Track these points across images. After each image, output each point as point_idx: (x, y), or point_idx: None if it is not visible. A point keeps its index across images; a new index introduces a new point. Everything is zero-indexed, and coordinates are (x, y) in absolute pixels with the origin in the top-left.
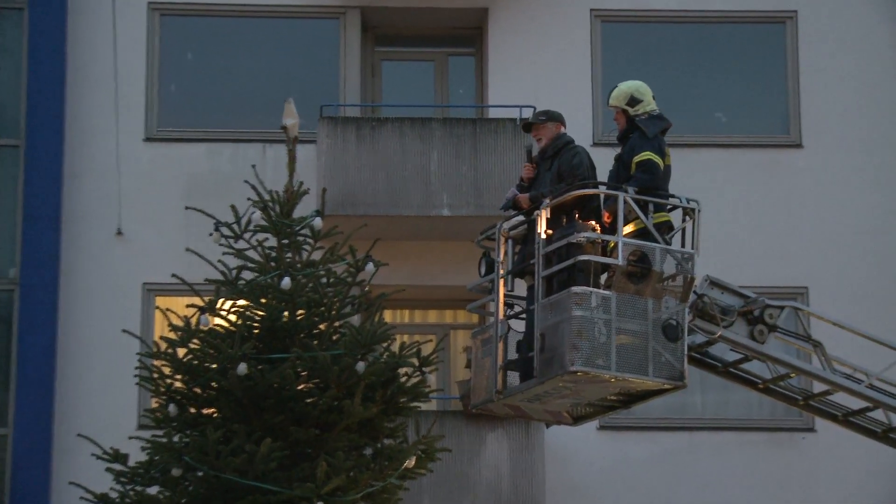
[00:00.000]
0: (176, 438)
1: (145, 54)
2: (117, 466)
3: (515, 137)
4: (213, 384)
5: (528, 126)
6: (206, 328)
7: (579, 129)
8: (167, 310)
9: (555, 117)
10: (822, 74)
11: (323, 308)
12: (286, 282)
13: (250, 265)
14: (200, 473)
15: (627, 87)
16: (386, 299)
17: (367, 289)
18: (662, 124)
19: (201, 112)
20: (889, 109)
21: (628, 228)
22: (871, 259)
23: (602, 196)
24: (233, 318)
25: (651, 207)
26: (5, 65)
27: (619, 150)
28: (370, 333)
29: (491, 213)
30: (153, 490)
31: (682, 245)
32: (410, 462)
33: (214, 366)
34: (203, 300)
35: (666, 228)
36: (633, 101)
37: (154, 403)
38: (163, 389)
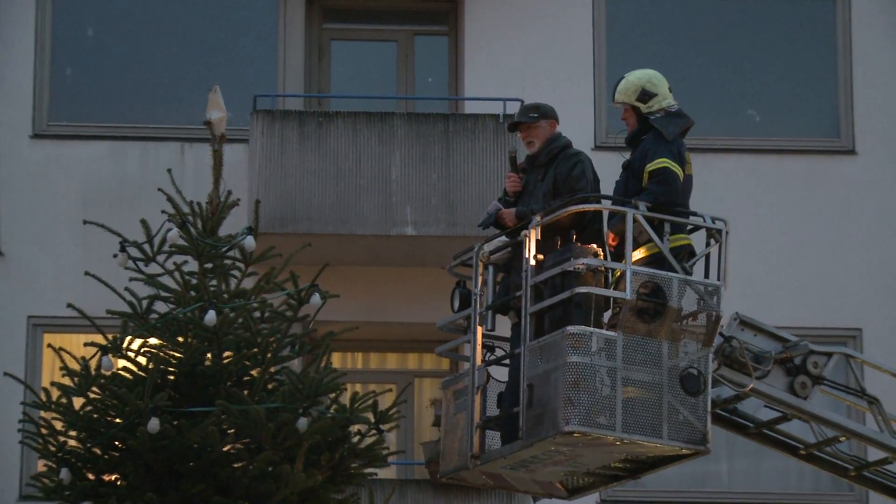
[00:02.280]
0: None
1: (34, 30)
2: None
3: (498, 137)
4: (118, 444)
5: (514, 126)
6: (108, 373)
7: (578, 129)
8: (60, 349)
9: (548, 114)
10: (880, 64)
11: (256, 350)
12: (210, 316)
13: (165, 294)
14: None
15: (637, 78)
16: (335, 339)
17: (311, 326)
18: (683, 123)
19: (103, 103)
20: None
21: (638, 254)
22: None
23: (606, 213)
24: (142, 360)
25: (667, 228)
26: None
27: (627, 155)
28: (315, 382)
29: (466, 234)
30: None
31: (706, 275)
32: None
33: (119, 420)
34: (105, 338)
35: (685, 254)
36: (646, 95)
37: (42, 467)
38: (53, 449)
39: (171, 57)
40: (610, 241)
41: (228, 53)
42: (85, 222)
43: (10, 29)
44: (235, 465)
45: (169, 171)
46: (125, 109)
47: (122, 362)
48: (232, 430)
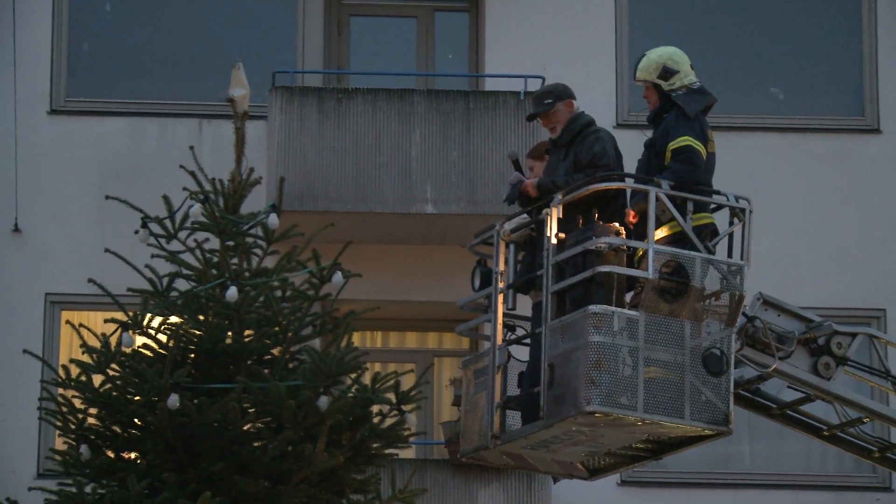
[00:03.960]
0: (89, 489)
1: (51, 4)
2: None
3: (519, 115)
4: (137, 421)
5: (532, 117)
6: (128, 350)
7: (600, 106)
8: (80, 325)
9: (562, 94)
10: None
11: (277, 328)
12: (231, 293)
13: (186, 272)
14: None
15: (658, 55)
16: (356, 318)
17: (333, 305)
18: (705, 100)
19: (121, 78)
20: None
21: (661, 233)
22: None
23: (628, 191)
24: (163, 338)
25: (690, 207)
26: None
27: (649, 133)
28: (336, 361)
29: (487, 211)
30: None
31: (729, 255)
32: None
33: (138, 398)
34: (126, 314)
35: (708, 233)
36: (667, 72)
37: (61, 444)
38: (73, 426)
39: (190, 32)
40: (630, 219)
41: (247, 29)
42: (107, 197)
43: (28, 4)
44: (256, 444)
45: (191, 147)
46: (143, 85)
47: (142, 340)
48: (252, 409)
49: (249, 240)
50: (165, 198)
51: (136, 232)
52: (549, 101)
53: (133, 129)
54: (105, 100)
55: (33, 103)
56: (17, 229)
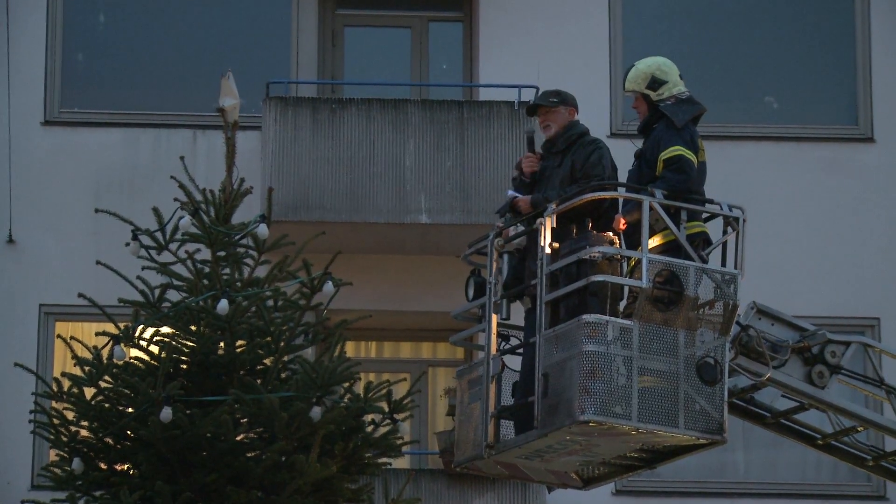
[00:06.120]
0: (82, 502)
1: (45, 15)
2: None
3: (512, 124)
4: (130, 433)
5: (533, 109)
6: (120, 362)
7: (594, 116)
8: (71, 338)
9: (568, 101)
10: None
11: (269, 338)
12: (223, 305)
13: (177, 283)
14: None
15: (647, 66)
16: (348, 328)
17: (324, 314)
18: (694, 110)
19: (116, 89)
20: None
21: (654, 241)
22: None
23: (620, 201)
24: (155, 349)
25: (684, 216)
26: None
27: (640, 143)
28: (328, 371)
29: (481, 221)
30: None
31: (723, 263)
32: None
33: (131, 410)
34: (117, 327)
35: (701, 242)
36: (655, 82)
37: (54, 457)
38: (65, 439)
39: (184, 43)
40: (620, 227)
41: (241, 39)
42: (97, 210)
43: (22, 15)
44: (249, 455)
45: (182, 158)
46: (137, 96)
47: (134, 351)
48: (245, 420)
49: (241, 250)
50: (155, 210)
51: (127, 244)
52: (555, 100)
53: (127, 140)
54: (99, 111)
55: (27, 114)
56: (11, 240)
